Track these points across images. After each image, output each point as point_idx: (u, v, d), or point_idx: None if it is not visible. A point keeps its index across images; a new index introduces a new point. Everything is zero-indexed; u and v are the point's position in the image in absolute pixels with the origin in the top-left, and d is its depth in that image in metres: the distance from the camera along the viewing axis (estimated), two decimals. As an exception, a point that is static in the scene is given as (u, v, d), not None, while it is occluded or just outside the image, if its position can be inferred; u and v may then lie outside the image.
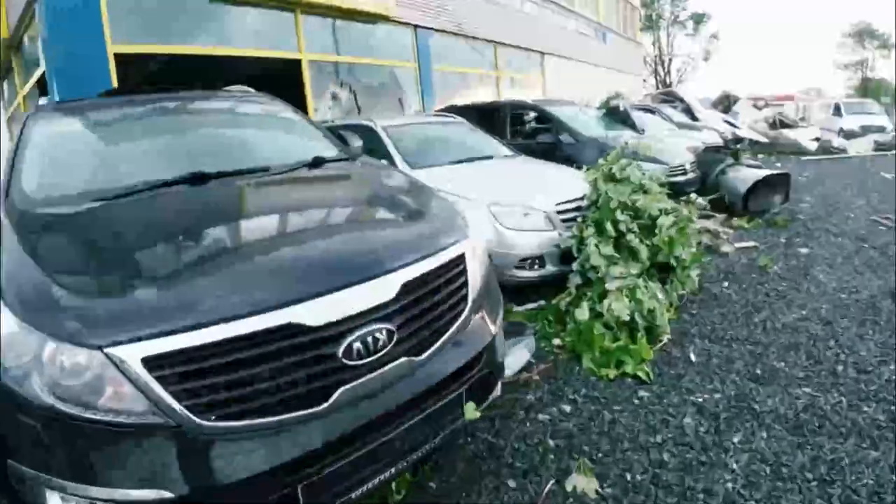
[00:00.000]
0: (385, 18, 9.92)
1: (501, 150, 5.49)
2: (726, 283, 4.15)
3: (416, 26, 10.75)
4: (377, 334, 1.52)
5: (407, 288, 1.61)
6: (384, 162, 3.62)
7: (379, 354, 1.53)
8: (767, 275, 4.33)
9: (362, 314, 1.50)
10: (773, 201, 6.48)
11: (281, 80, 8.75)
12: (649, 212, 3.47)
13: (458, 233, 1.94)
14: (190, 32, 7.28)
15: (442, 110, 8.96)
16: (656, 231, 3.33)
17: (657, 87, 31.98)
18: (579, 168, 4.57)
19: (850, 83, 40.47)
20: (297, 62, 8.77)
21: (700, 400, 2.55)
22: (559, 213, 3.91)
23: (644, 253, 3.29)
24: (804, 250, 4.95)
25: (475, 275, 1.90)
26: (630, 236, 3.36)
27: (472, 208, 3.89)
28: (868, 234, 5.42)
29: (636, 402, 2.58)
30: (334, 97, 9.44)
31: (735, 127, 15.33)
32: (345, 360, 1.48)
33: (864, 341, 3.07)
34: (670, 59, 31.60)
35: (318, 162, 2.62)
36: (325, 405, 1.46)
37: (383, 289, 1.56)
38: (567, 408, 2.57)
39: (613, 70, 20.71)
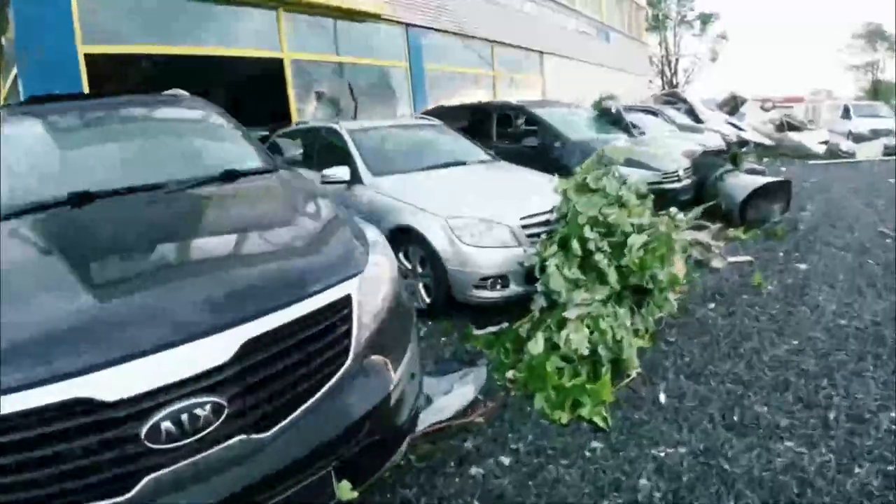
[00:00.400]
0: (375, 17, 9.60)
1: (478, 155, 5.13)
2: (713, 305, 3.77)
3: (407, 25, 10.41)
4: (197, 410, 1.17)
5: (249, 348, 1.27)
6: (302, 173, 3.27)
7: (202, 434, 1.18)
8: (760, 295, 3.94)
9: (176, 385, 1.16)
10: (772, 210, 6.06)
11: (265, 80, 8.48)
12: (622, 228, 3.10)
13: (348, 268, 1.58)
14: (168, 33, 6.98)
15: (430, 111, 8.64)
16: (625, 251, 2.95)
17: (663, 88, 31.42)
18: (568, 174, 4.21)
19: (860, 85, 39.64)
20: (279, 62, 8.46)
21: (662, 454, 2.18)
22: (525, 226, 3.54)
23: (613, 275, 2.92)
24: (803, 266, 4.55)
25: (367, 317, 1.55)
26: (598, 256, 2.99)
27: (429, 221, 3.57)
28: (873, 247, 5.01)
29: (588, 454, 2.21)
30: (319, 97, 9.12)
31: (739, 129, 14.87)
32: (149, 444, 1.13)
33: (863, 380, 2.68)
34: (677, 60, 31.06)
35: (228, 176, 2.30)
36: (127, 496, 1.13)
37: (212, 351, 1.22)
38: (506, 460, 2.20)
39: (617, 70, 20.26)
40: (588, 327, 2.72)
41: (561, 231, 3.21)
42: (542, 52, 15.20)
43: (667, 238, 3.16)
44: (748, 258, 4.80)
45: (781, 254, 4.97)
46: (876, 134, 15.39)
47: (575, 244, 3.05)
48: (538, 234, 3.46)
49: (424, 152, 4.85)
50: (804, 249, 5.06)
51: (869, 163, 12.10)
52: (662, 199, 5.94)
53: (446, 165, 4.62)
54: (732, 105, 20.70)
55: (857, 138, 15.35)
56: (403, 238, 3.77)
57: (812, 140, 14.10)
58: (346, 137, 4.74)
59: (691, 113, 14.98)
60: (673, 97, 16.62)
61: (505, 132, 6.91)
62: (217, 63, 7.70)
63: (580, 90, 16.49)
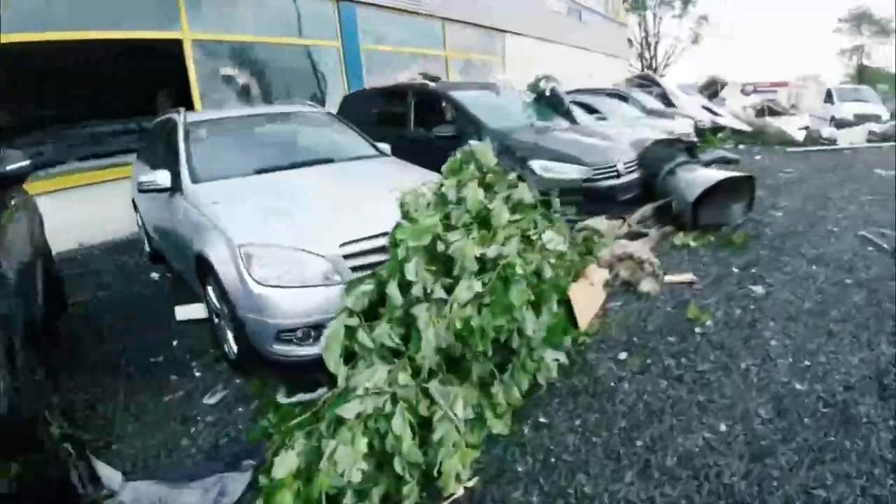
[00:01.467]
0: (295, -12, 8.44)
1: (358, 150, 4.08)
2: (624, 356, 2.74)
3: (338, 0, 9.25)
4: None
5: None
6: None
7: None
8: (693, 337, 2.92)
9: None
10: (732, 211, 5.06)
11: (164, 65, 7.32)
12: (464, 262, 2.05)
13: None
14: (48, 18, 5.81)
15: (349, 96, 7.55)
16: (445, 308, 1.91)
17: (642, 72, 30.22)
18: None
19: (848, 71, 38.57)
20: (178, 43, 7.29)
21: None
22: (352, 255, 2.49)
23: (434, 341, 1.88)
24: (759, 290, 3.54)
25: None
26: (420, 309, 1.95)
27: (219, 247, 2.52)
28: (854, 259, 4.01)
29: None
30: (228, 80, 7.97)
31: (715, 114, 13.86)
32: None
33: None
34: (657, 42, 29.81)
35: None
36: None
37: None
38: None
39: (590, 52, 19.12)
40: (378, 430, 1.68)
41: (380, 270, 2.16)
42: (503, 31, 14.04)
43: (555, 277, 2.12)
44: (691, 278, 3.78)
45: (737, 270, 3.96)
46: (860, 119, 14.44)
47: (392, 290, 2.01)
48: (373, 266, 2.41)
49: (276, 149, 3.79)
50: (766, 263, 4.05)
51: (852, 150, 11.12)
52: (598, 198, 4.94)
53: (300, 165, 3.56)
54: (712, 89, 19.70)
55: (840, 124, 14.38)
56: (206, 269, 2.72)
57: (792, 126, 13.12)
58: (179, 132, 3.66)
59: (664, 97, 13.97)
60: (646, 80, 15.56)
61: (423, 119, 5.82)
62: (105, 48, 6.55)
63: (549, 72, 15.39)
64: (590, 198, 4.70)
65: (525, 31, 14.83)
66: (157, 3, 7.01)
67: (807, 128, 13.34)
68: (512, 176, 2.58)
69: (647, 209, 5.05)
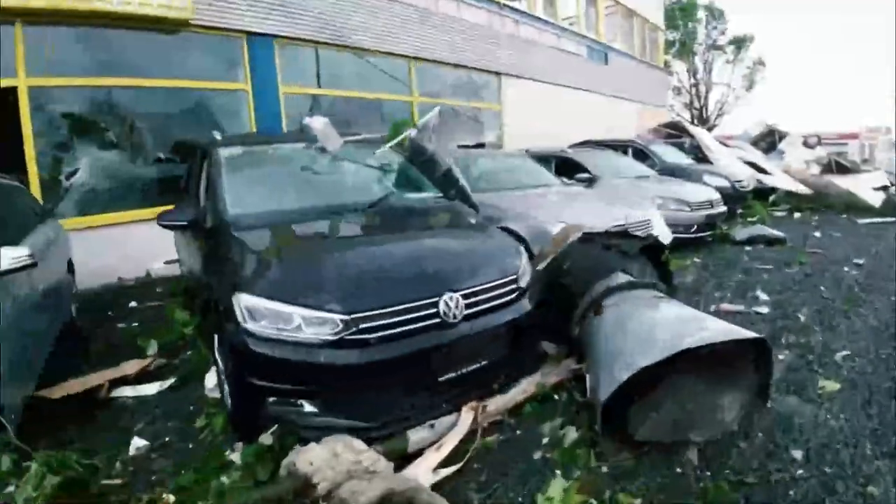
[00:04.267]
0: (180, 24, 6.60)
1: None
2: None
3: (248, 33, 7.36)
4: None
5: None
6: None
7: None
8: None
9: None
10: (716, 415, 2.39)
11: None
12: None
13: None
14: None
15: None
16: None
17: (692, 122, 27.20)
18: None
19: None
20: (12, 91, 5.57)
21: None
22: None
23: None
24: None
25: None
26: None
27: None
28: None
29: None
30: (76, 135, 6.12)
31: (762, 171, 10.93)
32: None
33: None
34: (707, 89, 26.71)
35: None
36: None
37: None
38: None
39: (617, 98, 16.63)
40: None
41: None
42: (499, 74, 11.87)
43: None
44: None
45: None
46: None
47: None
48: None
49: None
50: None
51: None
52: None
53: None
54: (769, 141, 16.53)
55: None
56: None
57: (865, 186, 10.01)
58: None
59: (698, 149, 11.26)
60: (675, 129, 12.89)
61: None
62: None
63: (561, 122, 13.08)
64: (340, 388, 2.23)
65: (529, 75, 12.61)
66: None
67: (885, 188, 10.21)
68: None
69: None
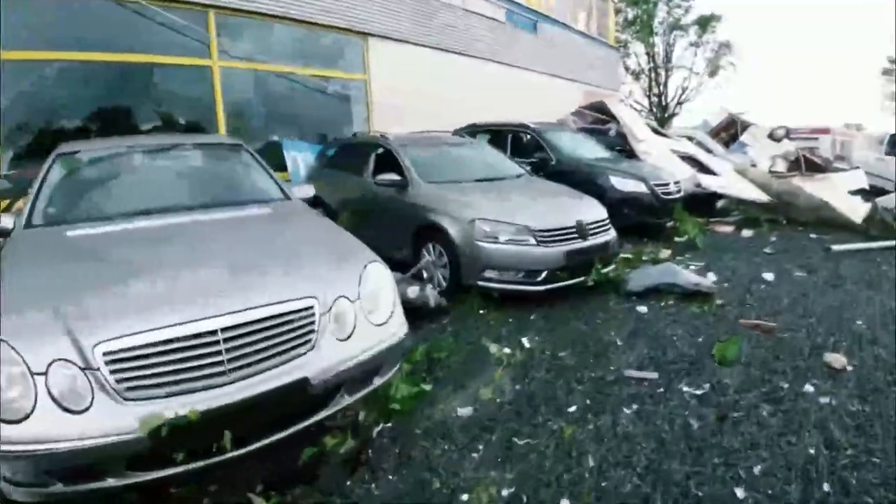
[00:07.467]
0: None
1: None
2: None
3: None
4: None
5: None
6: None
7: None
8: None
9: None
10: None
11: None
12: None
13: None
14: None
15: None
16: None
17: (650, 109, 24.44)
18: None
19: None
20: None
21: None
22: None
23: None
24: None
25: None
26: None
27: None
28: None
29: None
30: None
31: (707, 171, 8.11)
32: None
33: None
34: (667, 73, 23.90)
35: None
36: None
37: None
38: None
39: (549, 75, 13.69)
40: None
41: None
42: (366, 35, 8.80)
43: None
44: None
45: None
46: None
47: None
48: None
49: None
50: None
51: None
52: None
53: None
54: (731, 132, 13.79)
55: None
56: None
57: (841, 190, 7.27)
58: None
59: (623, 137, 8.43)
60: (600, 112, 10.06)
61: None
62: None
63: (467, 102, 10.15)
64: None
65: (413, 38, 9.59)
66: None
67: (864, 193, 7.55)
68: None
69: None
